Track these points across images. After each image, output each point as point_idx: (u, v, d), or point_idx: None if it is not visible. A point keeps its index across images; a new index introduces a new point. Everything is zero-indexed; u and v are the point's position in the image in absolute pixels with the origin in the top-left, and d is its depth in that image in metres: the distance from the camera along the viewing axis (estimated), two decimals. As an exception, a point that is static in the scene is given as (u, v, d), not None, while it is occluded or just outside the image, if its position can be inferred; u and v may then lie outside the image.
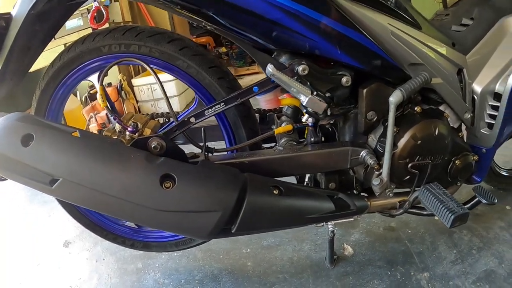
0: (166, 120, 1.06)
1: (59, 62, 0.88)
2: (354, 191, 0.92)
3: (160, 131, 0.83)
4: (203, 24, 0.76)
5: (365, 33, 0.72)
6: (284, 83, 0.74)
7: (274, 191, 0.75)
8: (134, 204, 0.67)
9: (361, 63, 0.76)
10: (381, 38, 0.74)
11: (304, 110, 0.76)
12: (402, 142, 0.80)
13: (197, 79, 0.84)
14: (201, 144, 0.80)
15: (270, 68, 0.73)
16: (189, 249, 1.12)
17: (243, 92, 0.77)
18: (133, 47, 0.83)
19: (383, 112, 0.80)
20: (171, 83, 2.65)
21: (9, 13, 0.80)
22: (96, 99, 2.13)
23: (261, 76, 0.80)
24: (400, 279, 1.01)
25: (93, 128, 2.23)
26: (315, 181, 0.91)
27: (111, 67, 0.82)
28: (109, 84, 2.34)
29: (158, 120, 0.91)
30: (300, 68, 0.74)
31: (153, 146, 0.75)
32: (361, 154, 0.83)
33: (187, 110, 0.90)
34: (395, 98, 0.75)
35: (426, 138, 0.80)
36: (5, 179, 0.84)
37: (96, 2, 1.04)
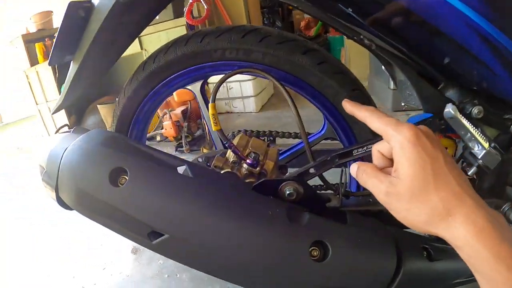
0: (267, 139, 0.88)
1: (152, 65, 0.69)
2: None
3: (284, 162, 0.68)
4: (361, 36, 0.57)
5: None
6: (461, 127, 0.58)
7: (423, 253, 0.63)
8: (268, 275, 0.54)
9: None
10: None
11: (476, 164, 0.60)
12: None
13: (333, 102, 0.66)
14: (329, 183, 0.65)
15: (452, 109, 0.57)
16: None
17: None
18: (256, 55, 0.65)
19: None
20: (248, 83, 2.48)
21: (89, 1, 0.61)
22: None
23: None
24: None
25: (167, 125, 2.13)
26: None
27: (228, 77, 0.64)
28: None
29: (269, 145, 0.74)
30: (475, 111, 0.58)
31: (287, 192, 0.61)
32: (503, 208, 0.69)
33: (313, 135, 0.74)
34: None
35: None
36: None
37: (195, -5, 0.81)
